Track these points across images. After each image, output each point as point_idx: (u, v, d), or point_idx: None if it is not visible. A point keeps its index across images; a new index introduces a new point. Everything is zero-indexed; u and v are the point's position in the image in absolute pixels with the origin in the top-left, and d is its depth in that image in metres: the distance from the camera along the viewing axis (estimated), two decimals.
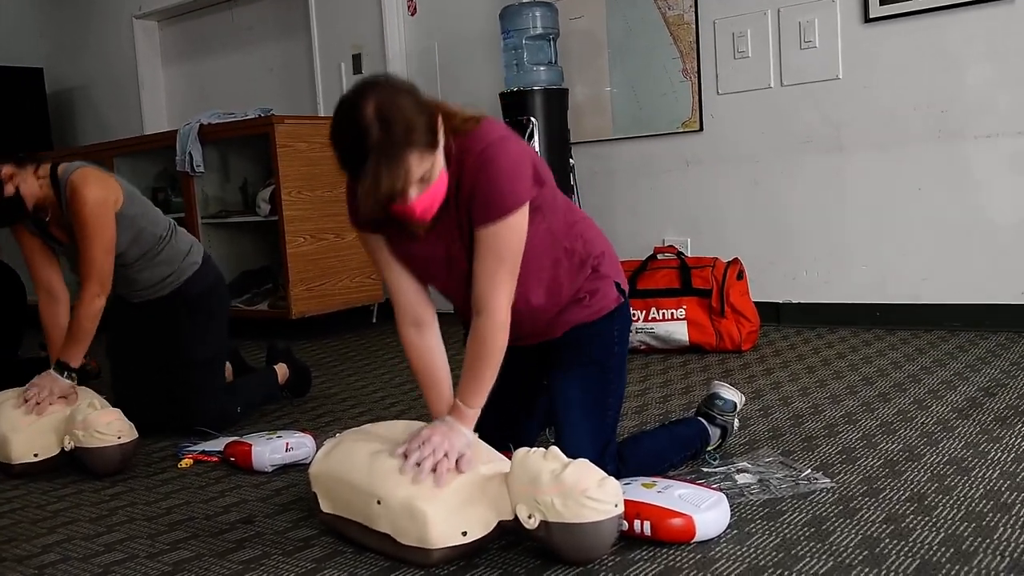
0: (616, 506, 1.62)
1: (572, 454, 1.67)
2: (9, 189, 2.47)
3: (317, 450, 2.33)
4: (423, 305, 1.89)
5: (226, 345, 2.97)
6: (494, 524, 1.69)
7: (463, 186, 1.70)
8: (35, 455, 2.45)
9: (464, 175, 1.69)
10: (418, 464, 1.68)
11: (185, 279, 2.80)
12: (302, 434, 2.48)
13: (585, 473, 1.61)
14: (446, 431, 1.74)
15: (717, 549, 1.68)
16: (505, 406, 2.00)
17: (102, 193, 2.53)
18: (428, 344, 1.88)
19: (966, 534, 1.66)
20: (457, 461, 1.69)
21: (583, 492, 1.58)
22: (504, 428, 2.00)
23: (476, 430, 1.82)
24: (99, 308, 2.56)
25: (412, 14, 5.01)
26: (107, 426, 2.38)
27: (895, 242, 3.67)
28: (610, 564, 1.65)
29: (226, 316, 2.96)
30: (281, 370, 3.14)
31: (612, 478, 1.64)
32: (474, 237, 1.72)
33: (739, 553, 1.66)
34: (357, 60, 5.17)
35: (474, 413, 1.78)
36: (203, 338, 2.84)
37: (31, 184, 2.52)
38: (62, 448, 2.44)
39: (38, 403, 2.47)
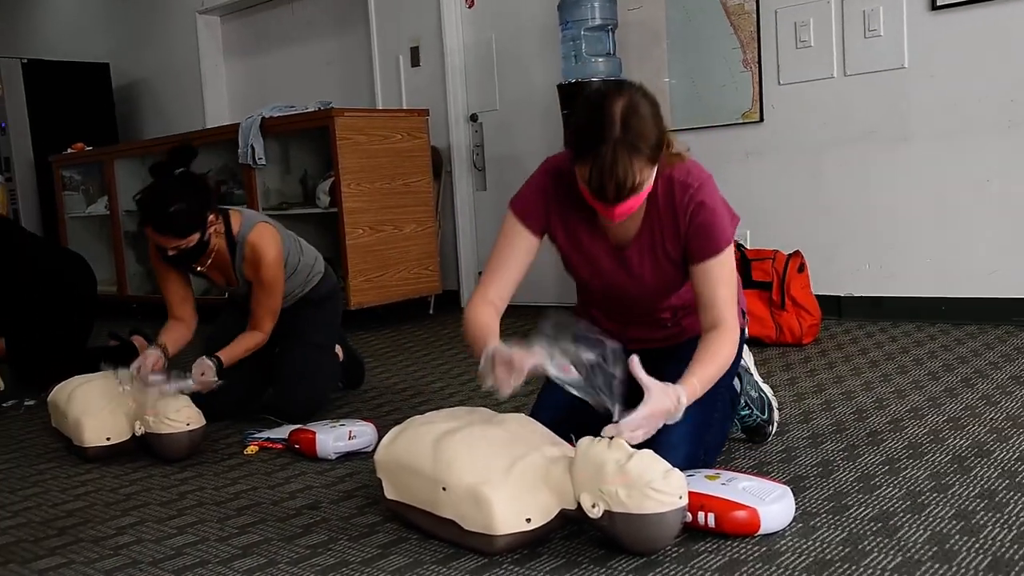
0: (681, 498, 1.62)
1: (670, 447, 1.74)
2: (207, 235, 2.61)
3: (379, 439, 2.37)
4: (506, 293, 2.00)
5: (334, 340, 3.10)
6: (555, 512, 1.70)
7: (664, 212, 1.89)
8: (107, 439, 2.52)
9: (676, 205, 1.88)
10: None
11: (310, 288, 2.96)
12: (364, 423, 2.52)
13: (650, 464, 1.61)
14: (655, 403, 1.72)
15: (782, 542, 1.67)
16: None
17: (277, 252, 2.73)
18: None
19: None
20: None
21: (648, 483, 1.59)
22: (576, 422, 2.00)
23: (543, 417, 1.86)
24: (258, 346, 2.79)
25: (469, 6, 5.03)
26: (176, 413, 2.44)
27: (962, 235, 3.59)
28: (674, 555, 1.65)
29: (339, 319, 3.13)
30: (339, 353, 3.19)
31: (677, 470, 1.64)
32: (693, 269, 1.89)
33: (804, 546, 1.65)
34: (415, 53, 5.21)
35: (693, 389, 1.78)
36: (317, 327, 2.97)
37: (216, 233, 2.67)
38: (133, 433, 2.51)
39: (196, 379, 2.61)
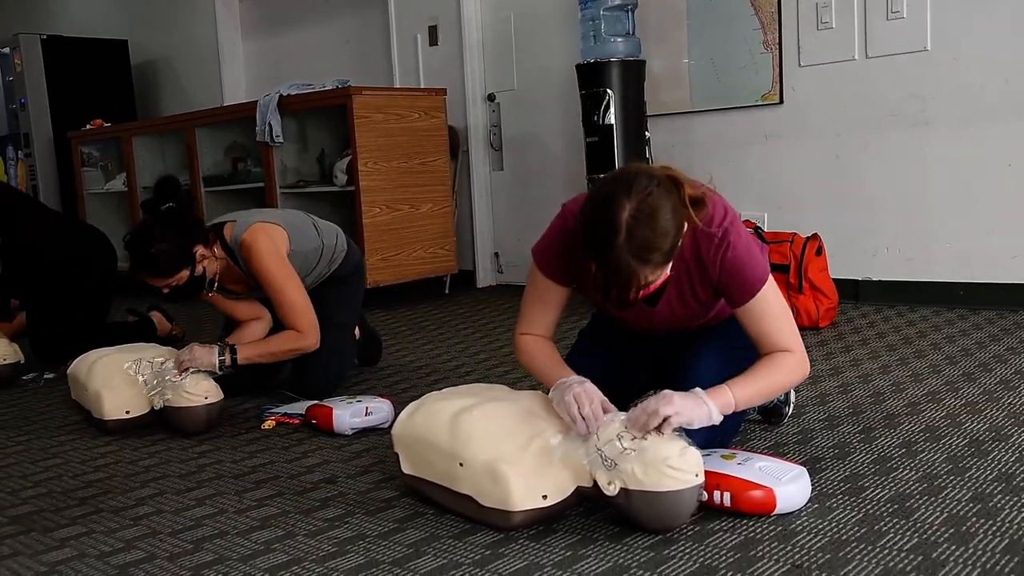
0: (697, 476, 1.62)
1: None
2: (198, 270, 2.60)
3: (395, 415, 2.38)
4: (549, 332, 2.00)
5: (356, 319, 3.10)
6: (571, 489, 1.70)
7: (692, 265, 1.82)
8: (127, 412, 2.54)
9: (703, 257, 1.80)
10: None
11: (336, 267, 2.94)
12: (381, 399, 2.53)
13: (667, 442, 1.62)
14: (687, 395, 1.70)
15: (798, 522, 1.67)
16: (609, 383, 2.05)
17: (268, 244, 2.65)
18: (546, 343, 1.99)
19: None
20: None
21: (664, 461, 1.59)
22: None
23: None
24: (300, 348, 2.67)
25: None
26: (195, 386, 2.46)
27: (982, 219, 3.57)
28: (690, 533, 1.66)
29: (361, 295, 3.12)
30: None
31: (693, 448, 1.64)
32: (736, 311, 1.84)
33: (820, 527, 1.65)
34: (433, 31, 5.19)
35: (727, 400, 1.72)
36: (343, 305, 2.95)
37: (213, 260, 2.65)
38: (152, 406, 2.53)
39: (185, 368, 2.51)
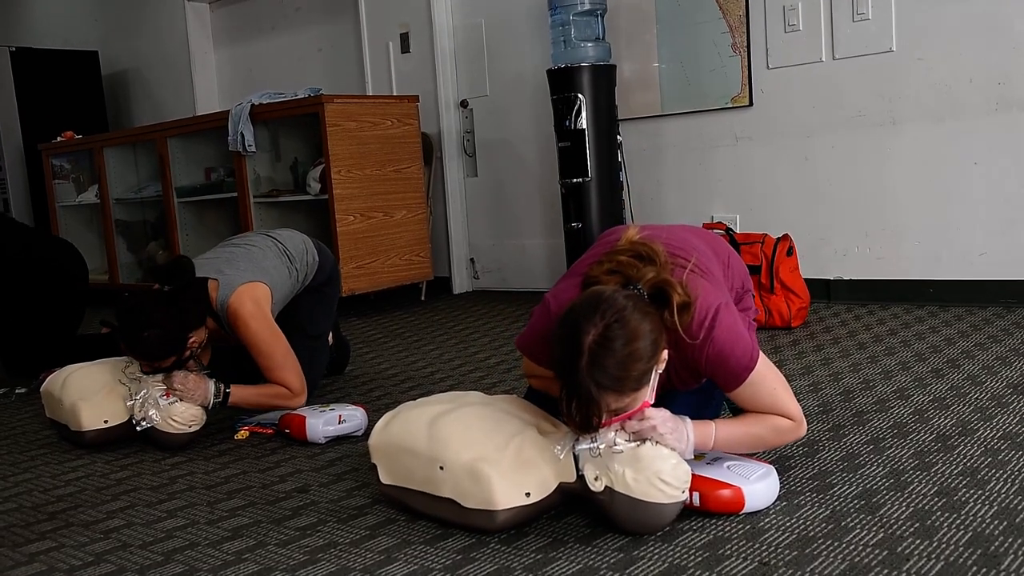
0: (683, 492, 1.63)
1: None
2: (185, 354, 2.48)
3: (369, 423, 2.38)
4: None
5: (330, 327, 3.06)
6: (554, 486, 1.71)
7: (677, 363, 1.74)
8: (105, 421, 2.50)
9: (688, 359, 1.73)
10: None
11: (310, 280, 2.90)
12: (354, 407, 2.52)
13: (661, 453, 1.63)
14: (677, 420, 1.70)
15: (766, 520, 1.69)
16: None
17: (256, 308, 2.59)
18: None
19: (1020, 507, 1.65)
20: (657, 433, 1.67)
21: (657, 473, 1.60)
22: None
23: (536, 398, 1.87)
24: (290, 406, 2.61)
25: None
26: (183, 413, 2.42)
27: (950, 217, 3.61)
28: (659, 534, 1.67)
29: (336, 302, 3.08)
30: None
31: (686, 464, 1.65)
32: (731, 395, 1.79)
33: (788, 524, 1.67)
34: (404, 38, 5.20)
35: (707, 438, 1.74)
36: (315, 315, 2.92)
37: (203, 332, 2.56)
38: (131, 416, 2.49)
39: (179, 389, 2.45)
